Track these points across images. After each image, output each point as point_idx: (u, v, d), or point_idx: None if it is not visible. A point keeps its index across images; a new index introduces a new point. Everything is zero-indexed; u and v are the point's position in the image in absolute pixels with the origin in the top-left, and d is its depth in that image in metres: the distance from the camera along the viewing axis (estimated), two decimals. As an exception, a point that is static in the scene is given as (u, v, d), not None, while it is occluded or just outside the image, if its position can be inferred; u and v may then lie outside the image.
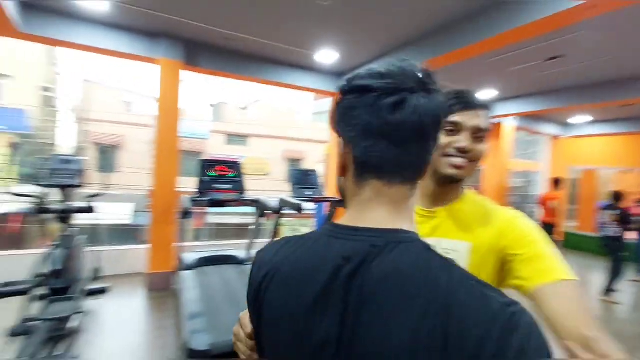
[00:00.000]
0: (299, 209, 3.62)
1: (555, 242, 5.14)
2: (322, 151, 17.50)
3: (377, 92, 0.42)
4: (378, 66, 0.44)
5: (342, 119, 0.46)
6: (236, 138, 16.24)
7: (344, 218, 0.48)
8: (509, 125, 6.63)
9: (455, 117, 0.73)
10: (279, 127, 16.51)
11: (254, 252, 2.93)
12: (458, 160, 0.73)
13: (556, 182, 5.76)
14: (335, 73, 4.84)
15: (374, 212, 0.45)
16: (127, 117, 14.40)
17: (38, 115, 11.46)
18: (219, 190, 3.67)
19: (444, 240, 0.75)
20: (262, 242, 4.92)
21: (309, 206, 5.11)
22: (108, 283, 2.96)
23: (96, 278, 3.08)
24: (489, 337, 0.35)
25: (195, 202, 3.36)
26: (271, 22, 3.39)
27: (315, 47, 3.95)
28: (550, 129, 7.54)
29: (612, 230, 4.32)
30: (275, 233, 4.39)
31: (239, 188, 3.81)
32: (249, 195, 3.82)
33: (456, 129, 0.74)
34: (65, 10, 3.27)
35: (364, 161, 0.45)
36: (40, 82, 11.81)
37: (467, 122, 0.73)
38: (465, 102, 0.74)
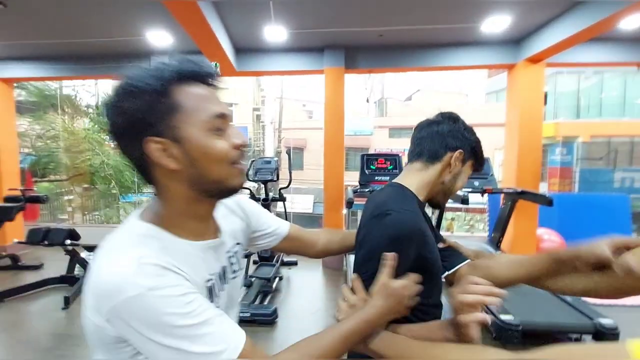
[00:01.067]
0: (464, 200, 3.33)
1: None
2: (499, 135, 14.99)
3: None
4: None
5: None
6: (400, 131, 16.29)
7: None
8: None
9: None
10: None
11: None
12: None
13: None
14: (508, 41, 4.08)
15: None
16: (308, 123, 17.13)
17: (252, 130, 15.39)
18: (379, 182, 3.87)
19: None
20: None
21: (477, 199, 4.55)
22: (296, 258, 3.71)
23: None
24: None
25: (357, 193, 3.68)
26: (424, 5, 3.24)
27: (480, 16, 3.47)
28: None
29: None
30: (438, 227, 4.19)
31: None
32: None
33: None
34: (259, 47, 4.28)
35: None
36: (252, 104, 15.79)
37: None
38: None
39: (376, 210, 0.74)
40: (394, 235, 0.68)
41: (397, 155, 3.98)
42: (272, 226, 0.84)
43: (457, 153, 0.80)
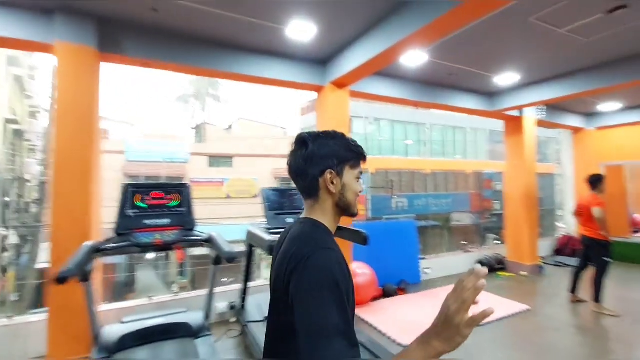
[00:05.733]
0: (270, 248, 2.41)
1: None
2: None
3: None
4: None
5: None
6: (220, 159, 15.05)
7: None
8: (531, 118, 5.56)
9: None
10: (265, 145, 15.41)
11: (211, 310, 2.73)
12: None
13: (594, 182, 3.93)
14: (316, 60, 3.73)
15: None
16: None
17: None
18: (148, 228, 2.44)
19: None
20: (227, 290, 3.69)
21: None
22: None
23: None
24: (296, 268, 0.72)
25: (101, 251, 2.12)
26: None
27: (283, 16, 2.83)
28: (573, 120, 6.50)
29: None
30: (247, 276, 3.14)
31: (185, 222, 2.59)
32: (199, 231, 2.59)
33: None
34: None
35: None
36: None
37: None
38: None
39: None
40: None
41: (183, 185, 2.71)
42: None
43: (326, 176, 0.83)
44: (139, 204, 2.51)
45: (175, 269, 13.51)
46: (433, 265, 5.20)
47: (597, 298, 3.83)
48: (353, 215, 0.88)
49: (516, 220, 5.60)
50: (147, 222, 2.48)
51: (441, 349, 0.57)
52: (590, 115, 6.65)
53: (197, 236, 2.51)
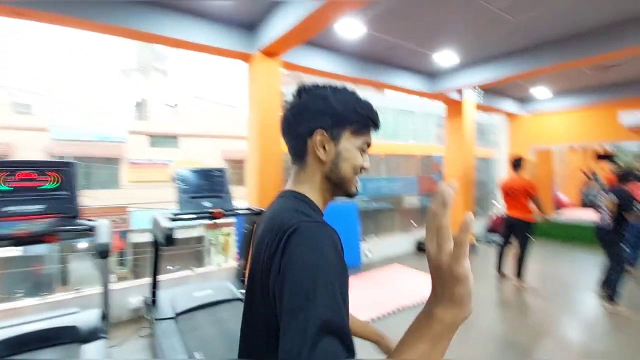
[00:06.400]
0: (168, 238, 2.08)
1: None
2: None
3: None
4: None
5: None
6: (164, 139, 13.93)
7: None
8: (470, 102, 5.65)
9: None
10: (216, 125, 14.53)
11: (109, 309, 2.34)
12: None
13: (516, 164, 4.04)
14: (244, 25, 3.32)
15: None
16: (17, 120, 11.47)
17: None
18: (9, 217, 1.98)
19: None
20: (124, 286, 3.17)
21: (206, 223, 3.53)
22: None
23: None
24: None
25: None
26: None
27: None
28: (508, 106, 6.77)
29: (607, 221, 3.38)
30: (156, 268, 2.77)
31: (65, 209, 2.15)
32: (84, 220, 2.17)
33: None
34: None
35: None
36: None
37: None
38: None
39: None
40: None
41: (66, 163, 2.24)
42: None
43: (315, 137, 0.67)
44: (1, 186, 2.02)
45: (115, 258, 12.50)
46: (374, 247, 5.19)
47: (519, 274, 4.03)
48: (349, 194, 0.72)
49: (453, 201, 5.75)
50: (10, 208, 2.01)
51: (449, 316, 0.42)
52: (524, 101, 6.97)
53: (77, 225, 2.09)
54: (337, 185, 0.70)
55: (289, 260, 0.52)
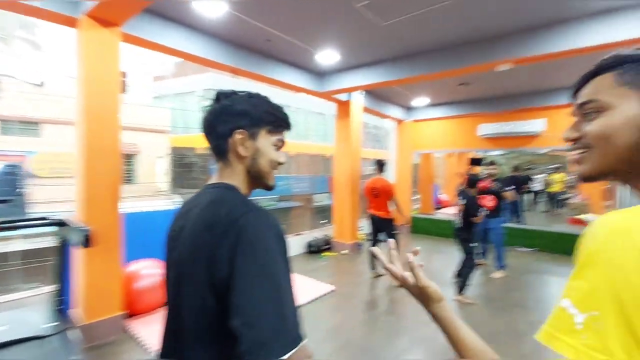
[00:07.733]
0: None
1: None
2: (164, 143, 14.23)
3: None
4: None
5: None
6: (20, 126, 11.17)
7: None
8: (357, 104, 5.77)
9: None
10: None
11: None
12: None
13: (381, 166, 4.43)
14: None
15: None
16: None
17: None
18: None
19: None
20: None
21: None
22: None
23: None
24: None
25: None
26: None
27: None
28: (395, 112, 7.23)
29: (459, 220, 3.73)
30: None
31: None
32: None
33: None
34: None
35: None
36: None
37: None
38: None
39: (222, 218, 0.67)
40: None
41: None
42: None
43: (235, 136, 0.75)
44: None
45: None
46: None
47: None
48: (268, 187, 0.81)
49: (342, 202, 5.83)
50: None
51: (437, 304, 0.70)
52: (408, 108, 7.55)
53: None
54: (257, 179, 0.79)
55: (246, 247, 0.61)
